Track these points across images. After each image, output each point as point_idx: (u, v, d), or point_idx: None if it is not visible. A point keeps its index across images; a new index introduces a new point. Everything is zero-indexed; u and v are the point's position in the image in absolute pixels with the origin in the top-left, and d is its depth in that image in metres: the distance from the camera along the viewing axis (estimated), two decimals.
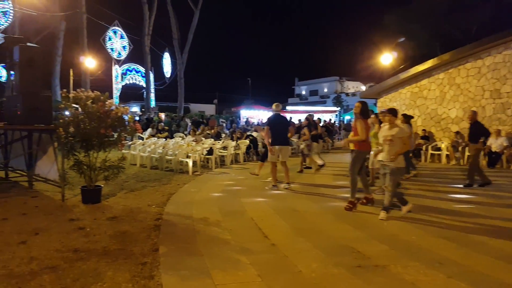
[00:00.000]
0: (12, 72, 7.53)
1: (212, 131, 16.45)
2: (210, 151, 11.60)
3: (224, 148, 12.50)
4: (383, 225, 5.54)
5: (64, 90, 7.13)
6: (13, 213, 5.83)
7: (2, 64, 26.40)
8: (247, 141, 13.45)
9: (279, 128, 8.34)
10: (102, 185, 6.99)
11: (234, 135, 14.55)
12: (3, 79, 27.64)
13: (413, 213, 6.03)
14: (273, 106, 8.64)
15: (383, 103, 16.77)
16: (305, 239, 4.82)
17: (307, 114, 13.91)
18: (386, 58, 25.69)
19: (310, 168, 10.91)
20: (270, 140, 8.27)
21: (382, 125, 7.36)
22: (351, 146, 6.75)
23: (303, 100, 60.15)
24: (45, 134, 7.34)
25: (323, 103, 52.62)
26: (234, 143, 12.86)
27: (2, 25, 19.36)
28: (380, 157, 6.13)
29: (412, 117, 11.63)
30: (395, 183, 5.91)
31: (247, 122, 30.89)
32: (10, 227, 5.09)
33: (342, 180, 9.52)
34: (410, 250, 4.47)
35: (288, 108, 42.28)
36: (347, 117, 37.79)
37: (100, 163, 6.78)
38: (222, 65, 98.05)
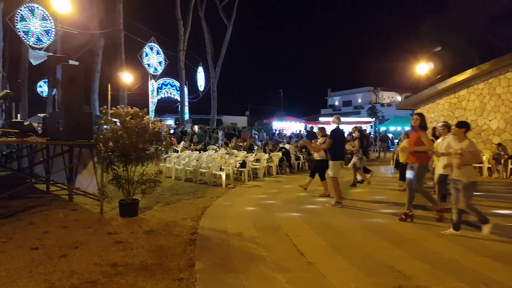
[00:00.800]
0: (53, 89, 7.89)
1: (245, 143, 16.53)
2: (243, 164, 11.63)
3: (257, 160, 12.50)
4: (423, 243, 5.30)
5: (104, 106, 7.37)
6: (54, 226, 6.03)
7: (44, 80, 27.91)
8: (280, 154, 13.38)
9: (340, 142, 8.15)
10: (139, 199, 7.14)
11: (266, 148, 14.53)
12: (45, 94, 29.16)
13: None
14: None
15: None
16: (343, 257, 4.68)
17: (354, 126, 13.64)
18: (422, 68, 25.03)
19: (362, 181, 10.71)
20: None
21: (441, 138, 7.15)
22: (410, 160, 6.52)
23: (336, 111, 59.35)
24: (85, 149, 7.61)
25: (357, 113, 51.76)
26: (266, 156, 12.82)
27: (45, 43, 20.41)
28: (446, 171, 5.97)
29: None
30: (470, 199, 5.61)
31: (279, 133, 30.81)
32: (51, 240, 5.26)
33: (380, 194, 9.28)
34: (453, 270, 4.25)
35: (321, 119, 41.91)
36: (382, 128, 36.93)
37: (138, 177, 6.95)
38: (254, 77, 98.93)
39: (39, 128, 8.23)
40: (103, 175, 6.88)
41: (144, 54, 29.09)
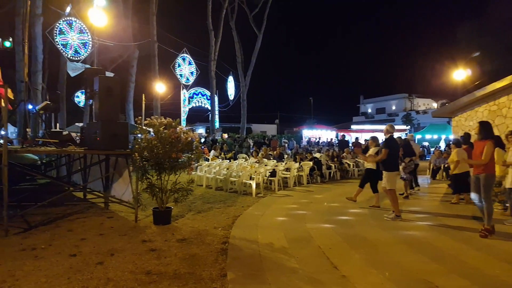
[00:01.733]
0: (90, 100, 8.21)
1: (275, 152, 16.50)
2: (273, 173, 11.60)
3: (287, 169, 12.44)
4: (463, 257, 5.09)
5: (139, 117, 7.58)
6: (91, 233, 6.22)
7: (81, 91, 29.08)
8: (311, 163, 13.25)
9: (396, 152, 7.84)
10: (172, 207, 7.26)
11: (297, 156, 14.42)
12: (82, 104, 30.34)
13: (497, 243, 5.48)
14: (388, 127, 7.96)
15: (458, 122, 15.72)
16: (378, 271, 4.56)
17: (399, 135, 13.24)
18: (459, 74, 24.23)
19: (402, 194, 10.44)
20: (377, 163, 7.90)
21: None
22: (474, 171, 6.21)
23: (369, 119, 58.36)
24: (121, 158, 7.84)
25: (391, 121, 50.58)
26: (297, 165, 12.73)
27: (82, 55, 21.26)
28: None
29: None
30: None
31: (309, 142, 30.55)
32: (88, 247, 5.43)
33: (416, 205, 9.01)
34: (495, 286, 4.03)
35: (353, 127, 41.36)
36: (418, 136, 35.89)
37: (171, 185, 7.08)
38: (284, 85, 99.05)
39: (77, 138, 8.56)
40: (138, 183, 7.05)
41: (176, 65, 29.82)
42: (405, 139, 11.36)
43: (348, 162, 15.61)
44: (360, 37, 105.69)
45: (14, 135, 17.39)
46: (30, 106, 8.83)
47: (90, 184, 9.30)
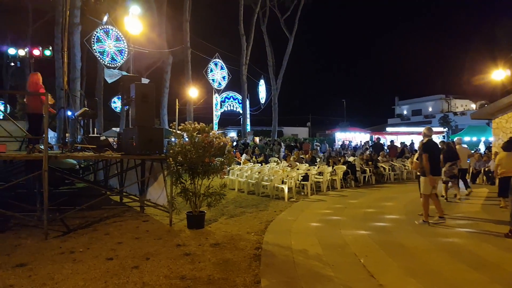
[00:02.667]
0: (126, 106, 8.42)
1: (307, 155, 16.32)
2: (305, 177, 11.45)
3: (320, 173, 12.24)
4: (506, 266, 4.80)
5: (174, 123, 7.71)
6: (127, 237, 6.35)
7: (118, 96, 30.05)
8: (344, 167, 12.97)
9: (434, 156, 7.51)
10: (205, 211, 7.30)
11: (330, 160, 14.15)
12: (118, 109, 31.34)
13: None
14: (425, 131, 7.67)
15: (499, 124, 14.99)
16: (417, 281, 4.37)
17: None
18: (499, 74, 23.09)
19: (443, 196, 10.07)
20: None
21: None
22: None
23: (405, 121, 56.71)
24: (156, 163, 7.98)
25: (427, 123, 48.96)
26: (330, 169, 12.51)
27: (119, 62, 21.96)
28: None
29: None
30: None
31: (343, 145, 30.01)
32: (124, 251, 5.53)
33: (455, 210, 8.63)
34: None
35: (388, 129, 40.30)
36: (456, 139, 34.48)
37: (204, 190, 7.13)
38: (316, 87, 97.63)
39: (114, 143, 8.80)
40: (172, 187, 7.15)
41: (209, 70, 30.26)
42: (448, 143, 10.92)
43: (383, 165, 15.19)
44: (394, 37, 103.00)
45: (53, 140, 18.16)
46: (69, 113, 9.16)
47: (126, 188, 9.52)
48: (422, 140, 7.68)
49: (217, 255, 5.35)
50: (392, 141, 23.05)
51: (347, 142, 31.27)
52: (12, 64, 26.47)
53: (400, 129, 40.66)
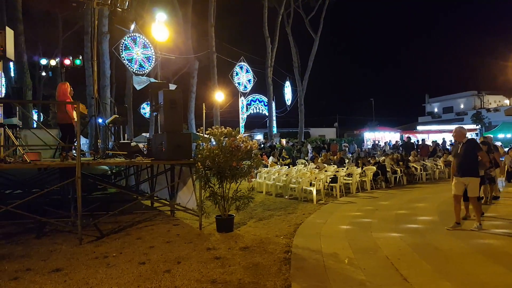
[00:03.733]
0: (155, 113, 8.59)
1: (335, 157, 16.11)
2: (334, 179, 11.29)
3: (349, 175, 12.05)
4: None
5: (201, 128, 7.80)
6: (159, 241, 6.45)
7: (146, 102, 30.77)
8: (374, 168, 12.71)
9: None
10: (234, 214, 7.33)
11: (359, 161, 13.89)
12: (147, 115, 32.04)
13: None
14: (463, 131, 7.36)
15: None
16: (452, 284, 4.23)
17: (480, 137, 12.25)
18: None
19: (498, 198, 9.74)
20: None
21: None
22: None
23: (436, 119, 55.02)
24: (185, 167, 8.09)
25: (459, 120, 47.36)
26: (359, 170, 12.28)
27: (147, 69, 22.48)
28: None
29: None
30: None
31: (374, 145, 29.35)
32: (156, 255, 5.62)
33: (491, 211, 8.28)
34: None
35: (419, 128, 39.29)
36: (489, 136, 33.13)
37: (232, 193, 7.17)
38: (342, 87, 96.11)
39: (144, 149, 8.99)
40: (201, 191, 7.22)
41: (234, 73, 30.51)
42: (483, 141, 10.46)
43: (415, 165, 14.78)
44: (424, 33, 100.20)
45: (85, 146, 18.77)
46: (100, 120, 9.44)
47: (157, 192, 9.70)
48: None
49: (247, 259, 5.35)
50: (423, 140, 22.44)
51: (377, 142, 30.67)
52: (44, 73, 27.61)
53: (431, 127, 39.51)
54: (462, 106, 53.55)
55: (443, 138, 27.10)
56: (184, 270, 4.94)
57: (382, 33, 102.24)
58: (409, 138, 22.82)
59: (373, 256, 5.42)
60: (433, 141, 24.48)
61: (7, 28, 7.46)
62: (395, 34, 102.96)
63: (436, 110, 58.57)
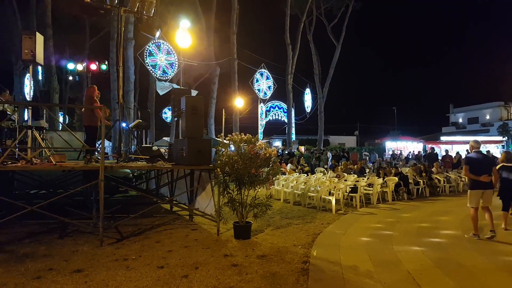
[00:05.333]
0: (176, 118, 8.69)
1: (355, 166, 15.89)
2: (354, 189, 11.13)
3: (369, 185, 11.86)
4: None
5: (221, 134, 7.84)
6: (177, 245, 6.49)
7: (168, 107, 31.22)
8: (396, 178, 12.46)
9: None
10: (252, 222, 7.32)
11: (380, 171, 13.65)
12: (169, 119, 32.50)
13: None
14: (472, 143, 7.62)
15: None
16: None
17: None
18: None
19: None
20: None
21: None
22: None
23: (461, 129, 53.65)
24: (205, 173, 8.14)
25: (485, 132, 46.06)
26: (380, 180, 12.07)
27: (169, 75, 22.84)
28: None
29: None
30: None
31: (393, 155, 28.84)
32: (174, 260, 5.66)
33: None
34: None
35: (443, 138, 38.38)
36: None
37: (250, 200, 7.16)
38: (364, 95, 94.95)
39: (165, 153, 9.10)
40: (220, 197, 7.24)
41: (255, 80, 30.64)
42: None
43: (438, 177, 14.44)
44: (449, 41, 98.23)
45: (108, 149, 19.16)
46: (123, 124, 9.63)
47: (176, 197, 9.79)
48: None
49: (264, 267, 5.32)
50: (446, 151, 21.92)
51: (399, 152, 30.08)
52: (71, 78, 28.41)
53: (456, 138, 38.49)
54: (487, 117, 52.09)
55: (467, 150, 26.33)
56: (201, 276, 4.95)
57: (405, 41, 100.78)
58: (432, 148, 22.38)
59: (394, 270, 5.30)
60: (457, 153, 23.89)
61: (37, 34, 7.70)
62: (419, 42, 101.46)
63: (460, 120, 57.15)
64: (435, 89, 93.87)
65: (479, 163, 7.17)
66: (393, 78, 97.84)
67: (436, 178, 14.33)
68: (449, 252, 6.20)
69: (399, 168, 14.50)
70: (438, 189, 14.13)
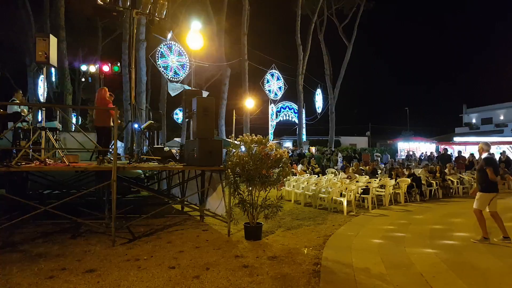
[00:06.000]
0: (187, 119, 8.73)
1: (367, 167, 15.76)
2: (366, 190, 11.04)
3: (381, 186, 11.74)
4: None
5: (232, 135, 7.86)
6: (188, 246, 6.51)
7: (179, 108, 31.41)
8: (408, 180, 12.32)
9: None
10: (262, 223, 7.30)
11: (392, 172, 13.51)
12: (180, 120, 32.68)
13: None
14: (482, 145, 7.39)
15: None
16: None
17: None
18: None
19: None
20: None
21: None
22: None
23: (474, 130, 52.83)
24: (215, 173, 8.16)
25: (499, 132, 45.23)
26: (393, 182, 11.94)
27: (181, 76, 22.99)
28: None
29: None
30: None
31: (408, 156, 28.47)
32: (186, 260, 5.68)
33: None
34: None
35: (456, 139, 37.83)
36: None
37: (261, 201, 7.15)
38: (375, 95, 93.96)
39: (177, 154, 9.14)
40: (230, 198, 7.25)
41: (265, 81, 30.65)
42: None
43: (451, 178, 14.24)
44: (460, 40, 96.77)
45: (120, 149, 19.35)
46: (135, 125, 9.71)
47: (187, 197, 9.83)
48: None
49: (275, 269, 5.30)
50: (459, 152, 21.62)
51: (411, 153, 29.73)
52: (84, 79, 28.81)
53: (469, 138, 37.87)
54: (502, 118, 51.20)
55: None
56: (212, 277, 4.95)
57: (417, 40, 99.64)
58: (445, 149, 22.07)
59: (406, 272, 5.24)
60: (470, 154, 23.55)
61: (51, 36, 7.81)
62: (431, 41, 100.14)
63: (474, 121, 56.29)
64: (448, 89, 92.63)
65: (498, 166, 7.13)
66: (406, 78, 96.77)
67: (449, 179, 14.14)
68: (463, 254, 6.10)
69: (412, 169, 14.34)
70: (451, 191, 13.94)
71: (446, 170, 14.93)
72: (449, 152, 22.41)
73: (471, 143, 32.53)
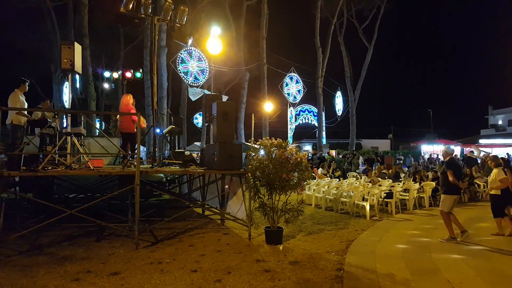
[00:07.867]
0: (207, 123, 8.79)
1: (390, 171, 15.46)
2: (389, 194, 10.83)
3: (405, 190, 11.50)
4: None
5: (252, 139, 7.86)
6: (210, 249, 6.54)
7: (199, 113, 31.72)
8: (433, 183, 12.01)
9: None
10: (283, 227, 7.26)
11: (417, 176, 13.20)
12: (200, 125, 32.98)
13: None
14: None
15: None
16: None
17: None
18: None
19: None
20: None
21: None
22: None
23: (500, 132, 51.22)
24: (235, 177, 8.18)
25: None
26: (417, 185, 11.68)
27: (201, 81, 23.24)
28: None
29: None
30: None
31: (430, 159, 27.88)
32: (207, 264, 5.69)
33: None
34: None
35: (482, 141, 36.85)
36: None
37: (282, 205, 7.11)
38: (398, 97, 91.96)
39: (197, 158, 9.21)
40: (251, 202, 7.24)
41: (284, 84, 30.61)
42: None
43: (477, 182, 13.82)
44: (486, 39, 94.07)
45: (143, 154, 19.67)
46: (157, 130, 9.85)
47: (208, 201, 9.88)
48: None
49: (297, 274, 5.25)
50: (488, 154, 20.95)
51: (435, 156, 29.09)
52: (107, 85, 29.47)
53: (495, 141, 36.86)
54: None
55: (507, 153, 25.18)
56: (234, 281, 4.95)
57: (441, 41, 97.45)
58: (471, 152, 21.43)
59: (432, 279, 5.11)
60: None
61: (76, 44, 8.01)
62: (456, 42, 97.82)
63: (500, 122, 54.53)
64: (473, 90, 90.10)
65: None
66: (429, 79, 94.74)
67: (475, 183, 13.73)
68: (491, 260, 5.92)
69: (437, 173, 13.99)
70: (477, 194, 13.53)
71: (473, 173, 14.51)
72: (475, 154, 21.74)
73: (497, 145, 31.61)
